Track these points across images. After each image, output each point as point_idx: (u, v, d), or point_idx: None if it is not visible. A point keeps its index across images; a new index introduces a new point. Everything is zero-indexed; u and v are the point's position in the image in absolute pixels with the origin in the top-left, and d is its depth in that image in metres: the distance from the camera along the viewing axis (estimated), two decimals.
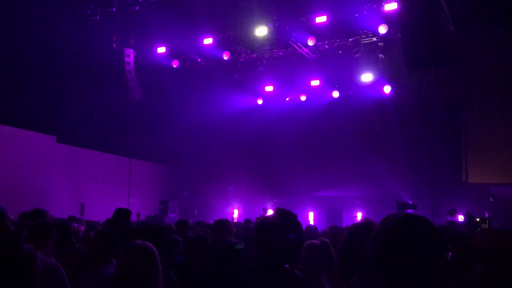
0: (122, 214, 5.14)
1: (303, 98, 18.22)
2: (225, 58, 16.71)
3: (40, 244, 3.58)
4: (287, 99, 18.76)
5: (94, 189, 16.61)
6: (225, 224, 4.86)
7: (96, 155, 17.06)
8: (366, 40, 15.25)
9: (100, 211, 14.14)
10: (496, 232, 2.76)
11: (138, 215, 11.01)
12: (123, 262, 2.57)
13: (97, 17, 14.51)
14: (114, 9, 14.28)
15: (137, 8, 14.05)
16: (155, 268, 2.55)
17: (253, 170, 19.13)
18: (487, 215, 12.13)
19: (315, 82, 17.41)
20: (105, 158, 17.48)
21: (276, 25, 15.30)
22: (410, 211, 13.31)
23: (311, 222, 16.87)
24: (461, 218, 12.44)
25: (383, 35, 14.24)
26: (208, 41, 16.27)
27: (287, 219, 2.49)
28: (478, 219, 11.71)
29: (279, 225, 2.46)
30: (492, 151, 14.68)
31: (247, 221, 9.64)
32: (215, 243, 4.59)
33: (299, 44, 15.78)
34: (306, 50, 16.11)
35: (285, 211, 2.55)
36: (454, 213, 12.45)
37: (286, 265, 2.46)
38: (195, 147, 19.71)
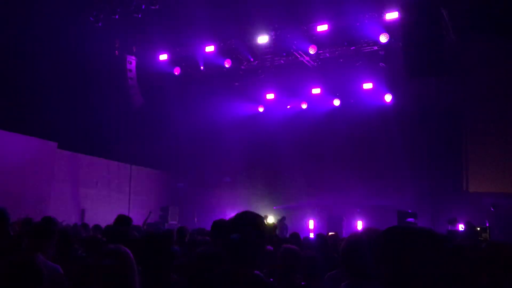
0: (123, 221, 5.14)
1: (304, 106, 18.26)
2: (227, 65, 16.77)
3: (40, 247, 3.61)
4: (288, 106, 18.80)
5: (95, 195, 16.62)
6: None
7: (97, 161, 17.09)
8: (367, 49, 15.32)
9: (101, 217, 14.15)
10: (503, 244, 2.76)
11: (149, 213, 11.14)
12: (97, 266, 2.56)
13: (100, 24, 14.57)
14: (117, 16, 14.35)
15: (140, 15, 14.11)
16: (130, 273, 2.54)
17: (253, 177, 19.13)
18: (487, 225, 12.10)
19: (316, 90, 17.45)
20: (106, 164, 17.50)
21: (278, 33, 15.38)
22: (410, 219, 13.31)
23: (311, 230, 16.86)
24: (461, 227, 12.42)
25: (384, 43, 14.30)
26: (210, 48, 16.35)
27: (237, 220, 2.39)
28: (478, 229, 11.68)
29: (230, 226, 2.40)
30: (493, 160, 14.68)
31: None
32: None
33: (300, 52, 15.84)
34: (307, 58, 16.17)
35: (244, 212, 2.43)
36: (454, 222, 12.43)
37: (256, 272, 2.36)
38: (196, 154, 19.74)
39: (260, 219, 2.42)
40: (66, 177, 15.68)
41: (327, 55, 15.94)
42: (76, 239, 5.06)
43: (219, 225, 4.36)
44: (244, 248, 2.31)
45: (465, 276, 2.62)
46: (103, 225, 9.10)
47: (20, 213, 11.31)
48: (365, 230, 3.04)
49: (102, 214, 15.41)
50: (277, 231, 11.71)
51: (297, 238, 6.59)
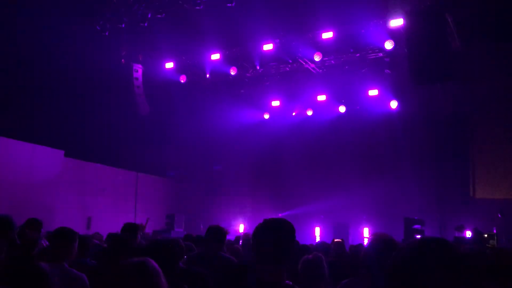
0: (129, 229, 5.16)
1: (309, 112, 18.27)
2: (232, 73, 16.83)
3: (64, 252, 3.61)
4: (294, 113, 18.82)
5: (101, 203, 16.67)
6: (219, 233, 4.64)
7: (104, 169, 17.16)
8: (372, 56, 15.33)
9: (107, 225, 14.19)
10: (508, 250, 2.73)
11: (147, 220, 11.14)
12: (119, 279, 2.52)
13: (107, 33, 14.69)
14: (123, 25, 14.47)
15: (146, 24, 14.21)
16: (155, 284, 2.49)
17: (259, 184, 19.14)
18: (495, 231, 12.01)
19: (321, 97, 17.47)
20: (112, 172, 17.57)
21: (283, 40, 15.42)
22: (417, 226, 13.24)
23: (318, 237, 16.82)
24: (468, 234, 12.34)
25: (389, 50, 14.29)
26: (215, 56, 16.42)
27: (268, 223, 2.47)
28: (486, 235, 11.60)
29: (260, 229, 2.46)
30: (500, 166, 14.60)
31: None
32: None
33: (305, 59, 15.89)
34: (312, 65, 16.20)
35: (275, 218, 2.52)
36: (461, 228, 12.35)
37: (287, 281, 2.41)
38: (202, 161, 19.79)
39: (289, 224, 2.47)
40: (72, 185, 15.75)
41: (332, 62, 15.96)
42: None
43: (214, 230, 4.55)
44: (276, 251, 2.36)
45: (471, 284, 2.59)
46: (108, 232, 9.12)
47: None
48: (377, 235, 3.04)
49: (109, 222, 15.45)
50: None
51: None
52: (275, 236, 2.38)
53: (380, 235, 3.03)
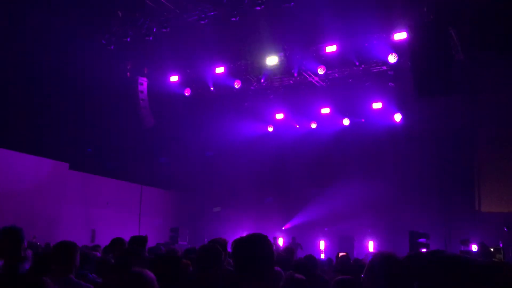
0: (137, 242, 5.12)
1: (313, 125, 18.30)
2: (237, 86, 16.89)
3: (69, 265, 3.63)
4: (298, 126, 18.85)
5: (106, 215, 16.67)
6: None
7: (108, 181, 17.19)
8: (376, 69, 15.37)
9: (111, 238, 14.17)
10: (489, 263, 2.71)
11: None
12: None
13: (112, 47, 14.85)
14: (129, 39, 14.62)
15: (151, 38, 14.36)
16: None
17: (263, 197, 19.09)
18: (501, 245, 11.91)
19: (325, 110, 17.49)
20: (117, 185, 17.59)
21: (287, 54, 15.51)
22: (422, 240, 13.15)
23: (322, 251, 16.72)
24: (474, 248, 12.24)
25: (393, 63, 14.34)
26: (220, 70, 16.52)
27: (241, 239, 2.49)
28: (492, 249, 11.49)
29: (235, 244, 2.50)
30: (505, 180, 14.52)
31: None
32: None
33: (309, 72, 15.95)
34: (316, 78, 16.26)
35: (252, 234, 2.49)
36: (467, 242, 12.25)
37: None
38: (206, 174, 19.79)
39: (266, 239, 2.45)
40: (77, 197, 15.78)
41: (336, 75, 16.01)
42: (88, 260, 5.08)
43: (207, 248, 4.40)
44: (255, 266, 2.32)
45: None
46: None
47: (31, 234, 11.39)
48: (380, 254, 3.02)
49: (113, 235, 15.41)
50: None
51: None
52: (252, 251, 2.34)
53: (384, 252, 3.02)
